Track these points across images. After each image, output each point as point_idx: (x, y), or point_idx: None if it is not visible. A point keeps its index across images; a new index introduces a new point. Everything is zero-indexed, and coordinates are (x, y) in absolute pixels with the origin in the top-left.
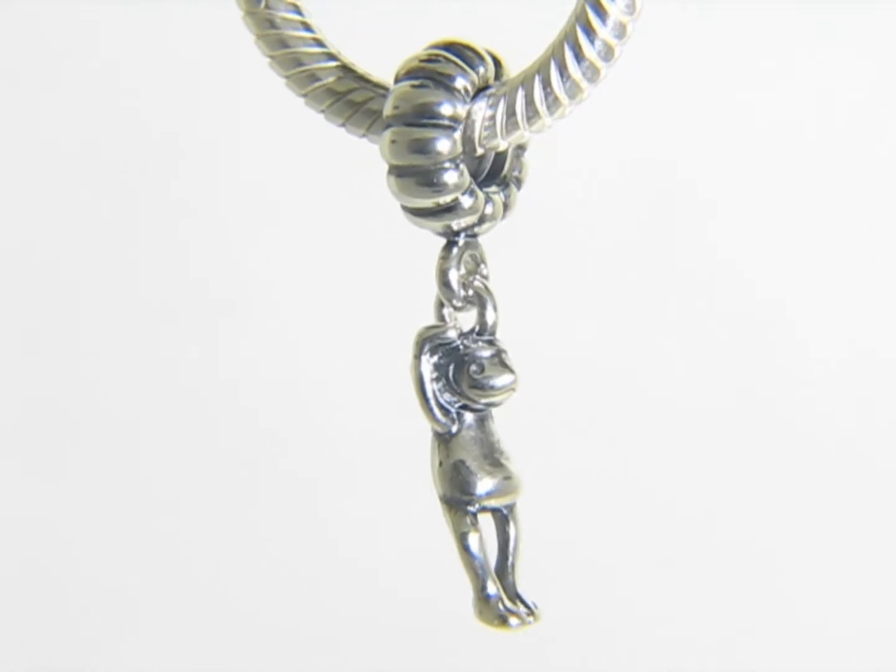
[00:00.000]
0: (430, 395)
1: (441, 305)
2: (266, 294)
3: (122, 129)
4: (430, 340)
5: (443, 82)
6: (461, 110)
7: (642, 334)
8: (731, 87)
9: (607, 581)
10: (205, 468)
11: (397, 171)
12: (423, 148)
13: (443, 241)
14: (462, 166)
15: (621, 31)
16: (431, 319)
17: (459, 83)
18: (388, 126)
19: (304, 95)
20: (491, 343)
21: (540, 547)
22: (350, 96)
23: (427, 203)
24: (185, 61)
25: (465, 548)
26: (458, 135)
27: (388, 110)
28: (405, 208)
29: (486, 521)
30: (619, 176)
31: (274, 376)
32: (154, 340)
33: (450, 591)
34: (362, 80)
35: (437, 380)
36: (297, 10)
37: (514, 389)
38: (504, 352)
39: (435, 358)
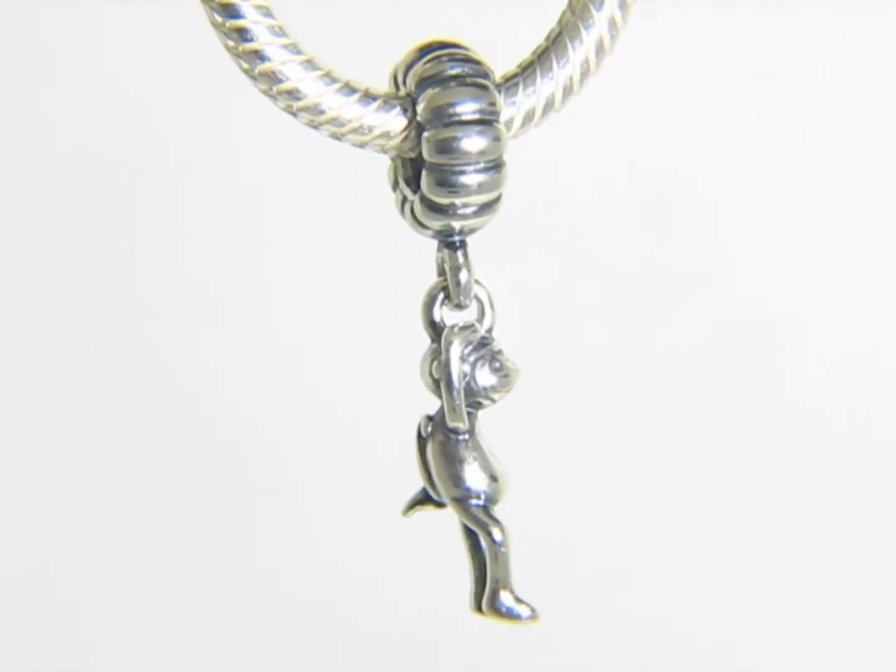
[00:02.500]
0: (461, 394)
1: (431, 305)
2: (263, 295)
3: (120, 130)
4: (460, 341)
5: (465, 81)
6: (498, 103)
7: (641, 335)
8: (731, 88)
9: (606, 581)
10: (202, 469)
11: (428, 168)
12: (444, 148)
13: (434, 242)
14: (504, 168)
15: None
16: (422, 320)
17: (483, 78)
18: (423, 130)
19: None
20: (488, 341)
21: (539, 547)
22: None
23: (443, 201)
24: (185, 62)
25: (493, 542)
26: (500, 127)
27: (420, 116)
28: (426, 202)
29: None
30: (618, 177)
31: (271, 378)
32: (152, 341)
33: (446, 591)
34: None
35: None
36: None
37: (513, 386)
38: (501, 350)
39: (467, 357)
